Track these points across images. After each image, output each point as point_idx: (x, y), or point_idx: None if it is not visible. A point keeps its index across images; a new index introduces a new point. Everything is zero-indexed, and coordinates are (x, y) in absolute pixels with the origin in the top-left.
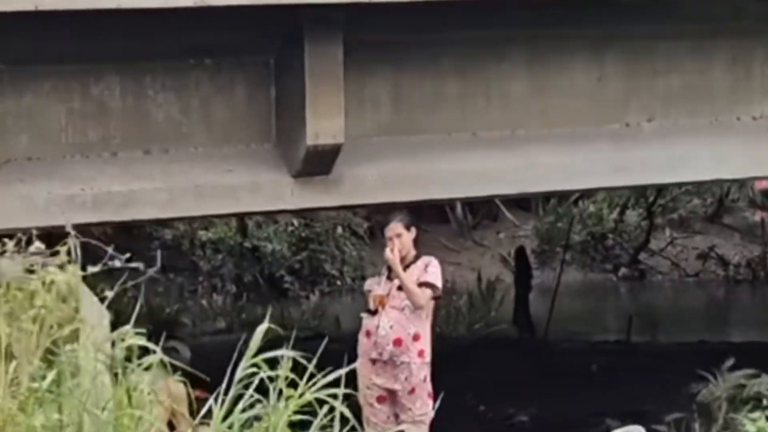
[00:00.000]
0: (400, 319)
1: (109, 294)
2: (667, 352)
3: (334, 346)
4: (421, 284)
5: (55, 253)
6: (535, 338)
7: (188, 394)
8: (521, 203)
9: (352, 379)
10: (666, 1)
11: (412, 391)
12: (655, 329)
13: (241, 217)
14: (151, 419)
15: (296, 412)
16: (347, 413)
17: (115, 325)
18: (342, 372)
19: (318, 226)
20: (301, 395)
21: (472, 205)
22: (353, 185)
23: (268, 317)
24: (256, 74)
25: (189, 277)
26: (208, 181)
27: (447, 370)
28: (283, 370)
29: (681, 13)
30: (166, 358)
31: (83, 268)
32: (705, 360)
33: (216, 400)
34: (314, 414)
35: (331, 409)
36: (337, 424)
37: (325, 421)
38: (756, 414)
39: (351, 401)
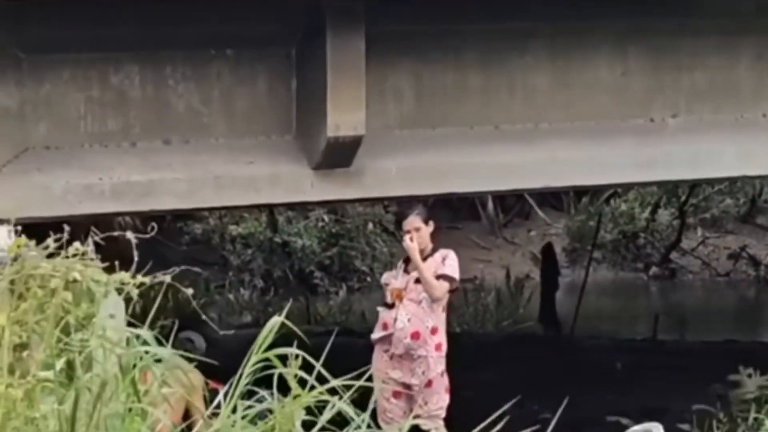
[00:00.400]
0: (417, 312)
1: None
2: (694, 351)
3: (359, 342)
4: (439, 276)
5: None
6: (562, 336)
7: (205, 385)
8: (553, 201)
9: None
10: None
11: (428, 384)
12: (683, 328)
13: (260, 208)
14: (159, 412)
15: (309, 410)
16: (348, 410)
17: (140, 318)
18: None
19: (349, 222)
20: (313, 390)
21: (504, 202)
22: (374, 178)
23: (285, 311)
24: (278, 65)
25: (219, 271)
26: (228, 172)
27: (471, 366)
28: (293, 367)
29: (706, 9)
30: (171, 351)
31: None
32: (732, 359)
33: (227, 393)
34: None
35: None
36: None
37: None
38: None
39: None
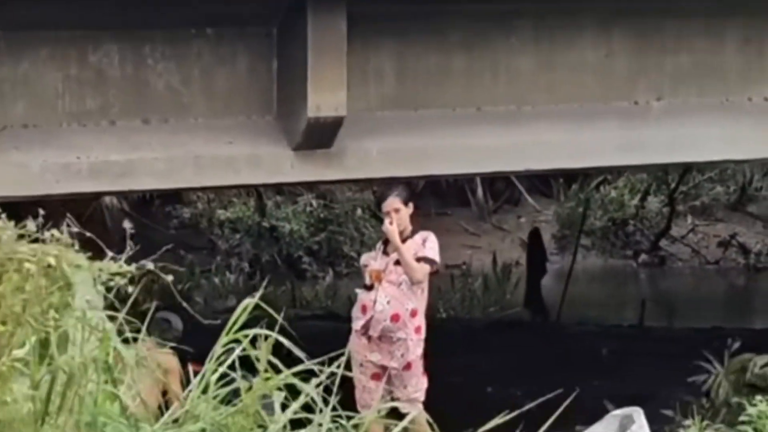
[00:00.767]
0: (397, 294)
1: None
2: (680, 338)
3: (345, 326)
4: (419, 259)
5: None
6: (548, 322)
7: (182, 367)
8: (543, 188)
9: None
10: None
11: (407, 367)
12: (670, 315)
13: (249, 192)
14: (131, 393)
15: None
16: (314, 394)
17: (125, 302)
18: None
19: (337, 207)
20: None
21: (494, 189)
22: (355, 159)
23: (261, 294)
24: (258, 45)
25: (207, 256)
26: (208, 152)
27: (457, 352)
28: (264, 350)
29: None
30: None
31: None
32: (718, 346)
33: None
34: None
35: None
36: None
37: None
38: (758, 397)
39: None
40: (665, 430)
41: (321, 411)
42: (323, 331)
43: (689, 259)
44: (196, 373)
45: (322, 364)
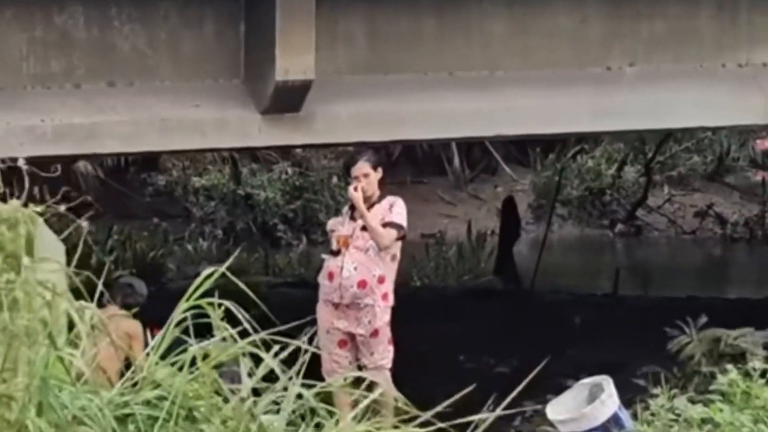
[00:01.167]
0: (364, 260)
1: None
2: (655, 307)
3: (316, 294)
4: (386, 224)
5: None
6: (521, 290)
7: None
8: (520, 157)
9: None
10: None
11: (374, 334)
12: (646, 285)
13: (224, 160)
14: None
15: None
16: (272, 364)
17: (96, 268)
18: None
19: (313, 175)
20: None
21: (471, 158)
22: (324, 123)
23: (231, 263)
24: (226, 7)
25: (182, 223)
26: (174, 115)
27: (429, 320)
28: (215, 317)
29: None
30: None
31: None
32: (692, 315)
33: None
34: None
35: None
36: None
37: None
38: (729, 366)
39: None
40: (635, 398)
41: (282, 380)
42: (295, 298)
43: (666, 229)
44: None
45: (289, 332)
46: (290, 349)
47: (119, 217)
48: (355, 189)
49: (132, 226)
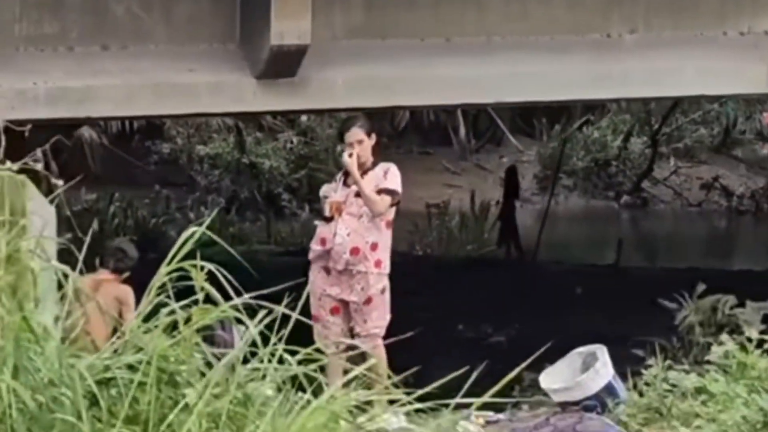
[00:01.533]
0: (357, 227)
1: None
2: (656, 278)
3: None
4: (380, 191)
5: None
6: (524, 260)
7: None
8: (526, 128)
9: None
10: None
11: (368, 301)
12: (650, 256)
13: (228, 129)
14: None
15: None
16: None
17: (98, 235)
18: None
19: (318, 144)
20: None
21: (476, 128)
22: (320, 89)
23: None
24: None
25: (187, 192)
26: (168, 79)
27: (430, 290)
28: (198, 280)
29: None
30: None
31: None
32: (694, 286)
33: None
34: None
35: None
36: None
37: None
38: (725, 337)
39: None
40: (633, 369)
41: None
42: (294, 266)
43: (671, 200)
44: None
45: (279, 297)
46: (275, 314)
47: (123, 185)
48: (350, 155)
49: (134, 194)
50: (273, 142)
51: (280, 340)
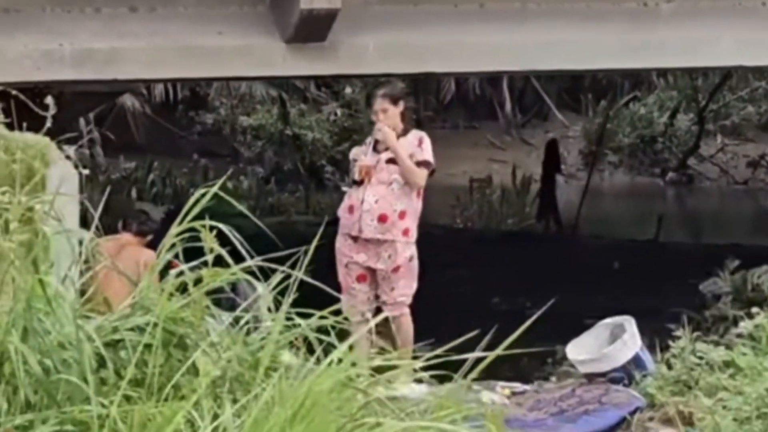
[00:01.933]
0: (386, 194)
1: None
2: (695, 254)
3: None
4: (418, 163)
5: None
6: (563, 235)
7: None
8: (572, 103)
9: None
10: None
11: (396, 269)
12: (692, 232)
13: (272, 100)
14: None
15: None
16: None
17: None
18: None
19: (362, 116)
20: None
21: (522, 103)
22: (350, 54)
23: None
24: None
25: (230, 163)
26: (196, 42)
27: (468, 263)
28: (208, 241)
29: None
30: None
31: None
32: (730, 263)
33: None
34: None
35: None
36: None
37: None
38: (755, 309)
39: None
40: (664, 342)
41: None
42: (331, 236)
43: (717, 178)
44: (174, 268)
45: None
46: (292, 278)
47: (166, 154)
48: (380, 130)
49: (173, 163)
50: (317, 114)
51: (294, 304)
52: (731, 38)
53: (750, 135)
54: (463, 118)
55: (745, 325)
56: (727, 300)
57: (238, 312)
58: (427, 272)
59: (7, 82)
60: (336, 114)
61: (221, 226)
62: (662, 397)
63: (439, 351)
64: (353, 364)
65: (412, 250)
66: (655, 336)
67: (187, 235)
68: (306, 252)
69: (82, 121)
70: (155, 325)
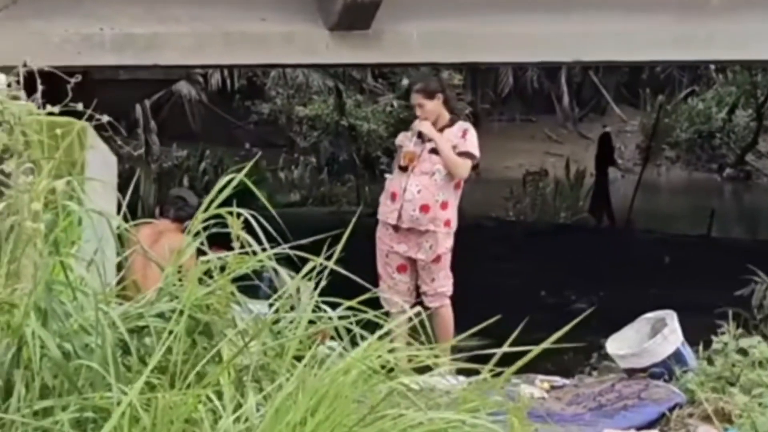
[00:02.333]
0: (429, 184)
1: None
2: (748, 250)
3: None
4: (461, 154)
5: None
6: (615, 228)
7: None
8: (630, 98)
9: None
10: None
11: (437, 260)
12: (747, 228)
13: (329, 90)
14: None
15: None
16: (282, 274)
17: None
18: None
19: None
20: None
21: (580, 97)
22: (393, 42)
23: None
24: None
25: (286, 153)
26: (239, 28)
27: (518, 255)
28: (235, 228)
29: None
30: None
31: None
32: None
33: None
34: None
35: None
36: None
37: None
38: None
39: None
40: (703, 337)
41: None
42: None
43: None
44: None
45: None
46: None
47: (222, 144)
48: (421, 123)
49: (225, 152)
50: (373, 105)
51: (326, 293)
52: None
53: None
54: (520, 111)
55: None
56: None
57: (272, 300)
58: (478, 263)
59: (51, 66)
60: (392, 105)
61: (244, 211)
62: (702, 393)
63: (478, 343)
64: (390, 352)
65: (452, 241)
66: (704, 332)
67: (216, 221)
68: (338, 240)
69: (138, 108)
70: (181, 312)
